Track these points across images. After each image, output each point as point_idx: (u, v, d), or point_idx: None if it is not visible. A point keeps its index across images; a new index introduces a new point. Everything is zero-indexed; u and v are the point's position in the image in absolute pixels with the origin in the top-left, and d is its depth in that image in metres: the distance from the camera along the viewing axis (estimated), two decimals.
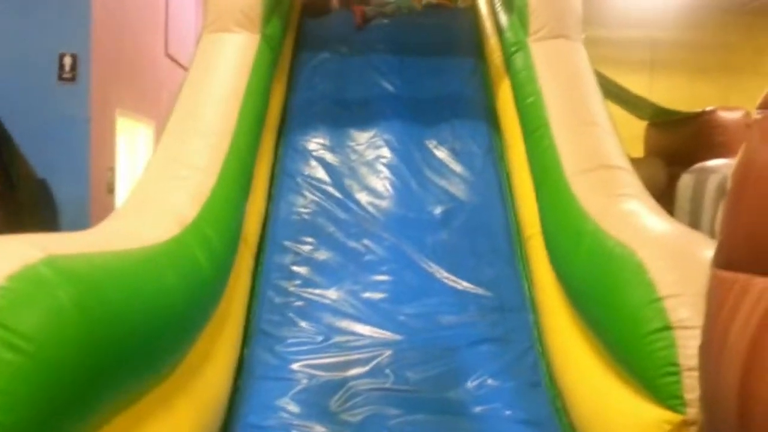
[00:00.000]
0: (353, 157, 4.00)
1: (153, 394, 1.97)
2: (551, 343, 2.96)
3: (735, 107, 7.21)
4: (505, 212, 3.78)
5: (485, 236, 3.64)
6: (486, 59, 4.48)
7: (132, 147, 6.59)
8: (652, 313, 1.97)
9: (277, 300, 3.29)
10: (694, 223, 5.07)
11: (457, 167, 3.98)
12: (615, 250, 2.32)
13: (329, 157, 3.99)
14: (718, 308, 1.56)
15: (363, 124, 4.15)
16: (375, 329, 3.15)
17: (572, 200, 2.90)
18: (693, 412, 1.82)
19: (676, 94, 10.14)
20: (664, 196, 5.50)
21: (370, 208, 3.75)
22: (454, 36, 4.81)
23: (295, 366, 2.95)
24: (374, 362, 2.97)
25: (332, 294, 3.33)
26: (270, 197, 3.79)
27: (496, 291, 3.37)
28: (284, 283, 3.38)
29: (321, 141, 4.07)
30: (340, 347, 3.06)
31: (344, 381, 2.87)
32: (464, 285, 3.39)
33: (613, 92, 6.99)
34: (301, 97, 4.33)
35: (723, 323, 1.52)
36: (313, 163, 3.97)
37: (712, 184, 5.01)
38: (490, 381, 2.88)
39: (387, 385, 2.85)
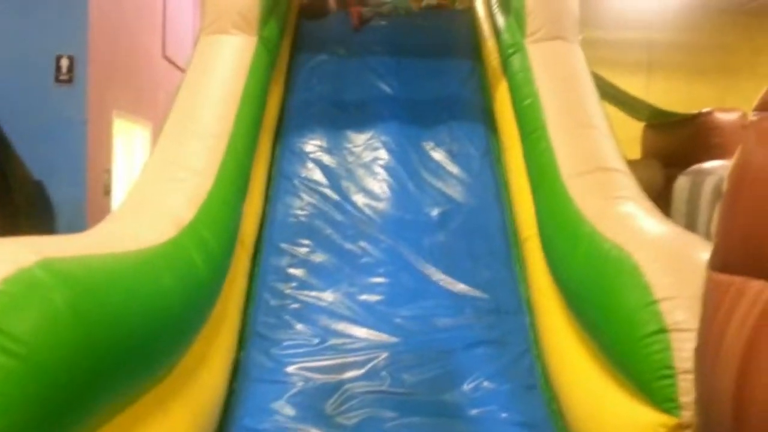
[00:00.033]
0: (350, 159, 4.00)
1: (148, 396, 1.97)
2: (547, 345, 2.96)
3: (732, 108, 7.21)
4: (502, 214, 3.78)
5: (482, 238, 3.64)
6: (483, 61, 4.49)
7: (129, 149, 6.58)
8: (647, 316, 1.96)
9: (273, 302, 3.29)
10: (691, 225, 5.07)
11: (455, 169, 3.98)
12: (611, 252, 2.32)
13: (326, 159, 3.99)
14: (713, 311, 1.56)
15: (360, 125, 4.15)
16: (371, 331, 3.15)
17: (569, 203, 2.90)
18: (688, 415, 1.81)
19: (673, 96, 10.15)
20: (661, 198, 5.51)
21: (367, 210, 3.75)
22: (452, 38, 4.81)
23: (290, 369, 2.95)
24: (370, 365, 2.96)
25: (328, 296, 3.32)
26: (267, 199, 3.79)
27: (493, 293, 3.37)
28: (280, 286, 3.37)
29: (318, 143, 4.07)
30: (336, 350, 3.05)
31: (340, 384, 2.86)
32: (461, 287, 3.39)
33: (610, 94, 7.00)
34: (298, 99, 4.32)
35: (719, 326, 1.52)
36: (310, 165, 3.96)
37: (708, 186, 5.01)
38: (486, 384, 2.88)
39: (383, 388, 2.85)
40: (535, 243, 3.24)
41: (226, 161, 3.08)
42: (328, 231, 3.63)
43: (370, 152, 4.03)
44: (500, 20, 4.18)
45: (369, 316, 3.22)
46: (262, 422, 2.67)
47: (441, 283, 3.41)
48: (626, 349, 2.03)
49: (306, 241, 3.59)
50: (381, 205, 3.78)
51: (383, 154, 4.01)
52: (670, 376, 1.85)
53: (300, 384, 2.87)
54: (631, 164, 3.32)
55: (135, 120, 6.55)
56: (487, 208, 3.81)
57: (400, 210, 3.75)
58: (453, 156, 4.04)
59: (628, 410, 2.05)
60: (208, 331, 2.53)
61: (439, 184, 3.90)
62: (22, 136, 4.95)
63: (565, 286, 2.74)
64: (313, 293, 3.34)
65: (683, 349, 1.84)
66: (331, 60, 4.53)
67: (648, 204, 2.81)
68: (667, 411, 1.86)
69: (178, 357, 2.19)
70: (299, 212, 3.73)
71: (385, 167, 3.95)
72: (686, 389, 1.81)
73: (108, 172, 5.86)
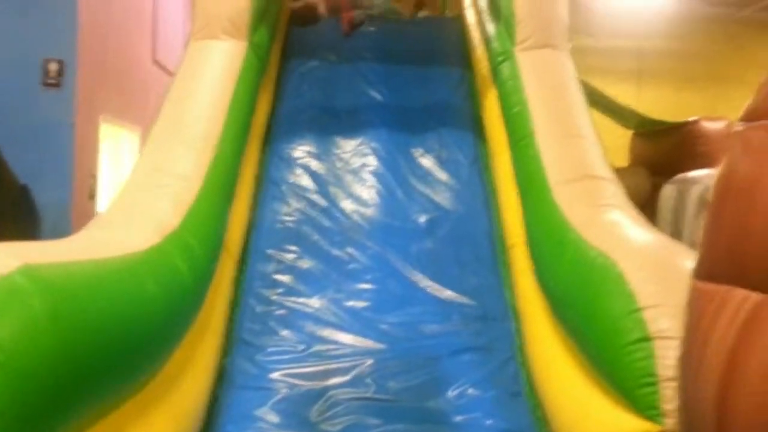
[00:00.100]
0: (339, 165, 3.99)
1: (130, 403, 1.95)
2: (533, 352, 2.96)
3: (718, 117, 7.28)
4: (489, 221, 3.78)
5: (469, 245, 3.64)
6: (473, 68, 4.50)
7: (116, 153, 6.55)
8: (631, 324, 1.97)
9: (259, 309, 3.27)
10: (676, 234, 5.10)
11: (443, 176, 3.98)
12: (596, 260, 2.32)
13: (315, 164, 3.98)
14: (697, 320, 1.56)
15: (349, 132, 4.14)
16: (357, 338, 3.13)
17: (556, 210, 2.91)
18: (671, 422, 1.82)
19: (663, 104, 10.23)
20: (648, 206, 5.54)
21: (355, 217, 3.74)
22: (442, 45, 4.82)
23: (275, 375, 2.92)
24: (355, 371, 2.95)
25: (314, 302, 3.31)
26: (254, 205, 3.77)
27: (480, 300, 3.36)
28: (266, 292, 3.35)
29: (307, 149, 4.06)
30: (321, 356, 3.04)
31: (325, 390, 2.84)
32: (447, 294, 3.38)
33: (598, 102, 7.04)
34: (288, 105, 4.32)
35: (702, 335, 1.52)
36: (299, 170, 3.95)
37: (693, 195, 5.04)
38: (471, 390, 2.87)
39: (368, 395, 2.83)
40: (522, 250, 3.24)
41: (213, 167, 3.07)
42: (316, 237, 3.62)
43: (359, 158, 4.02)
44: (490, 28, 4.20)
45: (355, 322, 3.21)
46: (245, 429, 2.65)
47: (428, 290, 3.40)
48: (610, 356, 2.04)
49: (293, 247, 3.57)
50: (369, 212, 3.77)
51: (372, 160, 4.01)
52: (654, 384, 1.86)
53: (284, 391, 2.85)
54: (619, 172, 3.34)
55: (123, 124, 6.53)
56: (475, 215, 3.81)
57: (388, 216, 3.75)
58: (442, 163, 4.04)
59: (612, 417, 2.05)
60: (191, 337, 2.51)
61: (427, 191, 3.89)
62: (7, 139, 4.92)
63: (551, 293, 2.74)
64: (300, 299, 3.33)
65: (667, 357, 1.84)
66: (321, 66, 4.52)
67: (634, 212, 2.82)
68: (650, 418, 1.87)
69: (160, 364, 2.17)
70: (286, 218, 3.72)
71: (374, 174, 3.94)
72: (669, 397, 1.81)
73: (93, 176, 5.83)
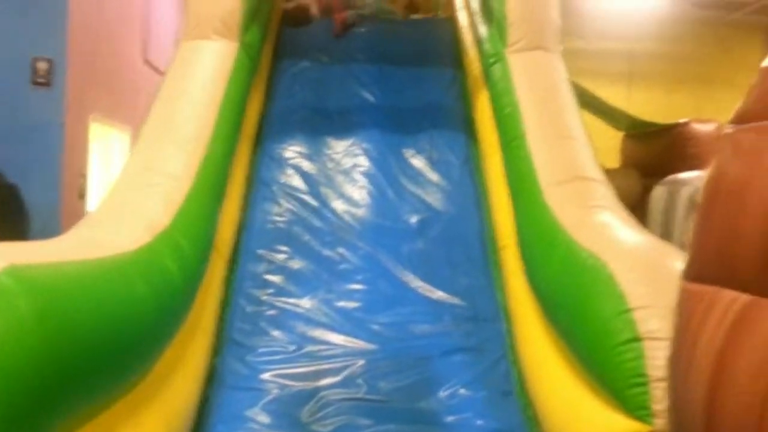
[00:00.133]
0: (330, 165, 3.99)
1: (121, 403, 1.95)
2: (523, 352, 2.97)
3: (708, 119, 7.32)
4: (481, 222, 3.79)
5: (461, 246, 3.64)
6: (465, 69, 4.50)
7: (106, 153, 6.52)
8: (621, 324, 1.98)
9: (250, 309, 3.26)
10: (666, 235, 5.13)
11: (434, 177, 3.98)
12: (587, 261, 2.33)
13: (306, 165, 3.98)
14: (687, 320, 1.57)
15: (341, 132, 4.14)
16: (348, 338, 3.13)
17: (546, 211, 2.92)
18: (660, 422, 1.82)
19: (653, 106, 10.28)
20: (639, 207, 5.56)
21: (346, 217, 3.73)
22: (434, 46, 4.83)
23: (266, 376, 2.92)
24: (346, 372, 2.94)
25: (306, 303, 3.30)
26: (245, 205, 3.76)
27: (471, 301, 3.37)
28: (257, 292, 3.34)
29: (298, 149, 4.05)
30: (313, 357, 3.03)
31: (316, 391, 2.84)
32: (439, 294, 3.39)
33: (590, 103, 7.07)
34: (279, 106, 4.31)
35: (691, 335, 1.52)
36: (290, 171, 3.94)
37: (683, 197, 5.07)
38: (462, 390, 2.87)
39: (359, 395, 2.83)
40: (513, 251, 3.25)
41: (203, 167, 3.06)
42: (307, 237, 3.61)
43: (350, 159, 4.02)
44: (482, 29, 4.21)
45: (346, 322, 3.20)
46: (236, 430, 2.64)
47: (419, 290, 3.40)
48: (600, 356, 2.04)
49: (284, 248, 3.56)
50: (360, 212, 3.77)
51: (363, 161, 4.01)
52: (644, 384, 1.87)
53: (275, 391, 2.85)
54: (610, 173, 3.36)
55: (113, 124, 6.50)
56: (466, 216, 3.81)
57: (379, 217, 3.75)
58: (433, 163, 4.04)
59: (602, 417, 2.06)
60: (182, 337, 2.50)
61: (418, 192, 3.90)
62: None
63: (542, 294, 2.75)
64: (290, 300, 3.32)
65: (656, 358, 1.85)
66: (313, 67, 4.52)
67: (624, 213, 2.83)
68: (640, 418, 1.87)
69: (150, 364, 2.16)
70: (277, 218, 3.71)
71: (365, 174, 3.94)
72: (659, 397, 1.82)
73: (83, 176, 5.80)
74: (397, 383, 2.90)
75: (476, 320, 3.27)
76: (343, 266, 3.50)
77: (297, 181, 3.89)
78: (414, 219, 3.76)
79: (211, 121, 3.31)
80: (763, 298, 1.34)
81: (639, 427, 1.87)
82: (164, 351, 2.30)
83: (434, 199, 3.87)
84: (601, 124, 8.00)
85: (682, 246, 2.19)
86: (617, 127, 8.51)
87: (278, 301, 3.31)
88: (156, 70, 7.26)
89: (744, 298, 1.38)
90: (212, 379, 2.90)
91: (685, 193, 5.02)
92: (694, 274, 1.58)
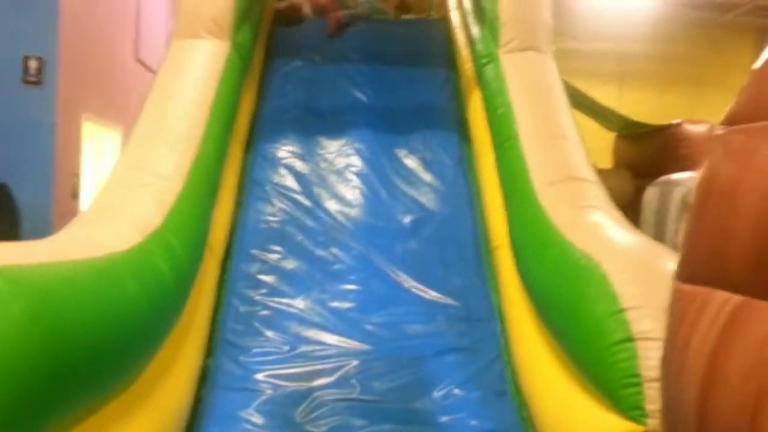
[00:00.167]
0: (323, 165, 3.98)
1: (114, 404, 1.94)
2: (517, 352, 2.97)
3: (700, 120, 7.35)
4: (474, 222, 3.79)
5: (454, 246, 3.65)
6: (458, 70, 4.50)
7: (99, 152, 6.50)
8: (614, 325, 1.98)
9: (243, 309, 3.25)
10: (659, 236, 5.14)
11: (428, 177, 3.98)
12: (580, 261, 2.33)
13: (299, 165, 3.97)
14: (679, 321, 1.57)
15: (334, 132, 4.14)
16: (342, 339, 3.12)
17: (539, 211, 2.92)
18: (654, 422, 1.83)
19: (645, 106, 10.32)
20: (632, 208, 5.58)
21: (339, 217, 3.73)
22: (427, 46, 4.83)
23: (259, 376, 2.91)
24: (340, 372, 2.94)
25: (299, 303, 3.30)
26: (238, 205, 3.76)
27: (464, 301, 3.37)
28: (250, 292, 3.34)
29: (291, 149, 4.04)
30: (306, 357, 3.03)
31: (310, 391, 2.84)
32: (432, 294, 3.39)
33: (582, 103, 7.09)
34: (271, 105, 4.30)
35: (684, 336, 1.53)
36: (283, 171, 3.94)
37: (676, 197, 5.09)
38: (456, 391, 2.88)
39: (353, 396, 2.83)
40: (507, 251, 3.25)
41: (195, 166, 3.05)
42: (300, 237, 3.61)
43: (343, 159, 4.02)
44: (474, 30, 4.21)
45: (340, 323, 3.20)
46: (229, 430, 2.63)
47: (413, 291, 3.40)
48: (594, 357, 2.05)
49: (277, 248, 3.56)
50: (353, 212, 3.77)
51: (356, 160, 4.00)
52: (637, 384, 1.87)
53: (269, 392, 2.84)
54: (602, 174, 3.36)
55: (105, 123, 6.47)
56: (459, 216, 3.82)
57: (372, 217, 3.74)
58: (426, 164, 4.05)
59: (596, 417, 2.06)
60: (175, 337, 2.49)
61: (411, 192, 3.90)
62: None
63: (535, 294, 2.75)
64: (284, 300, 3.31)
65: (650, 358, 1.86)
66: (305, 67, 4.51)
67: (617, 214, 2.84)
68: (634, 419, 1.88)
69: (142, 365, 2.16)
70: (270, 218, 3.70)
71: (358, 174, 3.94)
72: (653, 397, 1.83)
73: (76, 176, 5.78)
74: (391, 383, 2.90)
75: (470, 320, 3.28)
76: (336, 266, 3.49)
77: (290, 181, 3.88)
78: (407, 219, 3.76)
79: (203, 121, 3.29)
80: (755, 299, 1.34)
81: (632, 427, 1.87)
82: (157, 351, 2.29)
83: (427, 199, 3.87)
84: (593, 125, 8.03)
85: (674, 246, 2.20)
86: (609, 128, 8.53)
87: (272, 301, 3.30)
88: (148, 68, 7.23)
89: (736, 299, 1.39)
90: (205, 379, 2.90)
91: (677, 194, 5.04)
92: (686, 274, 1.58)
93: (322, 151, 4.05)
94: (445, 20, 5.05)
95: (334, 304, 3.30)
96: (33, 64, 5.28)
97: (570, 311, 2.27)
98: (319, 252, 3.54)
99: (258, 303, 3.29)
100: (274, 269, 3.46)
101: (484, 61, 3.94)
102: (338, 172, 3.95)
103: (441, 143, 4.14)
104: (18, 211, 5.04)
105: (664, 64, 11.28)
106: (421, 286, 3.41)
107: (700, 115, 7.83)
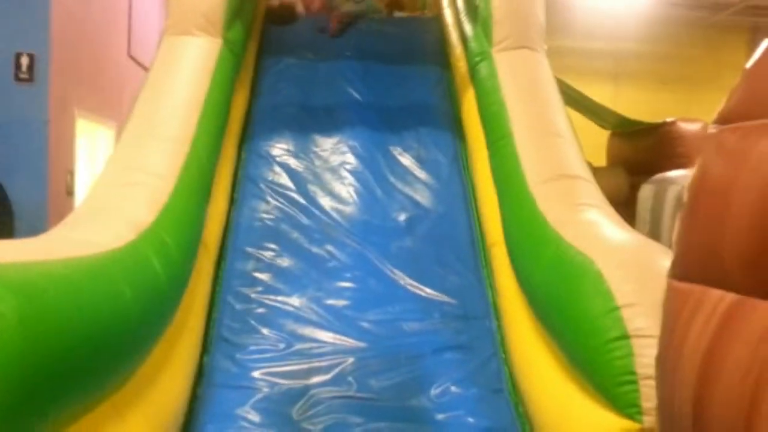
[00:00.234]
0: (317, 162, 3.98)
1: (108, 402, 1.93)
2: (514, 350, 2.98)
3: (694, 119, 7.38)
4: (469, 220, 3.79)
5: (450, 244, 3.65)
6: (451, 68, 4.51)
7: (92, 149, 6.47)
8: (610, 322, 1.99)
9: (239, 307, 3.25)
10: (654, 233, 5.16)
11: (422, 175, 3.99)
12: (575, 259, 2.34)
13: (293, 162, 3.96)
14: (674, 319, 1.58)
15: (328, 130, 4.13)
16: (338, 336, 3.12)
17: (534, 209, 2.93)
18: (650, 420, 1.84)
19: (640, 105, 10.33)
20: (626, 206, 5.60)
21: (334, 214, 3.73)
22: (420, 44, 4.83)
23: (256, 374, 2.91)
24: (337, 370, 2.94)
25: (295, 301, 3.29)
26: (232, 203, 3.75)
27: (460, 298, 3.37)
28: (246, 290, 3.33)
29: (285, 146, 4.04)
30: (303, 355, 3.02)
31: (306, 389, 2.84)
32: (428, 292, 3.39)
33: (576, 101, 7.10)
34: (265, 103, 4.29)
35: (679, 334, 1.53)
36: (277, 168, 3.93)
37: (671, 195, 5.11)
38: (453, 388, 2.88)
39: (350, 393, 2.83)
40: (502, 249, 3.26)
41: (188, 164, 3.04)
42: (295, 235, 3.60)
43: (338, 156, 4.01)
44: (468, 28, 4.21)
45: (336, 320, 3.20)
46: (226, 428, 2.63)
47: (409, 288, 3.40)
48: (589, 354, 2.05)
49: (272, 245, 3.55)
50: (348, 210, 3.76)
51: (351, 158, 4.00)
52: (633, 382, 1.88)
53: (265, 389, 2.84)
54: (597, 172, 3.38)
55: (99, 120, 6.44)
56: (455, 213, 3.82)
57: (367, 214, 3.74)
58: (421, 161, 4.05)
59: (592, 415, 2.07)
60: (169, 336, 2.49)
61: (406, 190, 3.90)
62: None
63: (530, 292, 2.76)
64: (279, 298, 3.31)
65: (645, 355, 1.86)
66: (298, 64, 4.51)
67: (611, 211, 2.85)
68: (630, 416, 1.89)
69: (137, 364, 2.15)
70: (265, 216, 3.70)
71: (353, 172, 3.93)
72: (648, 395, 1.83)
73: (71, 173, 5.75)
74: (387, 381, 2.90)
75: (466, 318, 3.28)
76: (331, 264, 3.49)
77: (284, 179, 3.88)
78: (402, 217, 3.76)
79: (195, 118, 3.28)
80: (750, 297, 1.35)
81: (628, 425, 1.88)
82: (151, 350, 2.28)
83: (422, 197, 3.87)
84: (587, 123, 8.04)
85: (669, 244, 2.21)
86: (604, 126, 8.55)
87: (267, 299, 3.30)
88: (140, 65, 7.20)
89: (730, 297, 1.39)
90: (202, 377, 2.89)
91: (672, 192, 5.06)
92: (680, 272, 1.59)
93: (316, 149, 4.05)
94: (438, 18, 5.05)
95: (330, 301, 3.30)
96: (25, 61, 5.25)
97: (565, 309, 2.28)
98: (315, 249, 3.54)
99: (253, 301, 3.29)
100: (269, 267, 3.45)
101: (477, 59, 3.95)
102: (333, 170, 3.94)
103: (435, 141, 4.15)
104: (12, 210, 5.01)
105: (657, 63, 11.31)
106: (417, 284, 3.42)
107: (694, 114, 7.86)
